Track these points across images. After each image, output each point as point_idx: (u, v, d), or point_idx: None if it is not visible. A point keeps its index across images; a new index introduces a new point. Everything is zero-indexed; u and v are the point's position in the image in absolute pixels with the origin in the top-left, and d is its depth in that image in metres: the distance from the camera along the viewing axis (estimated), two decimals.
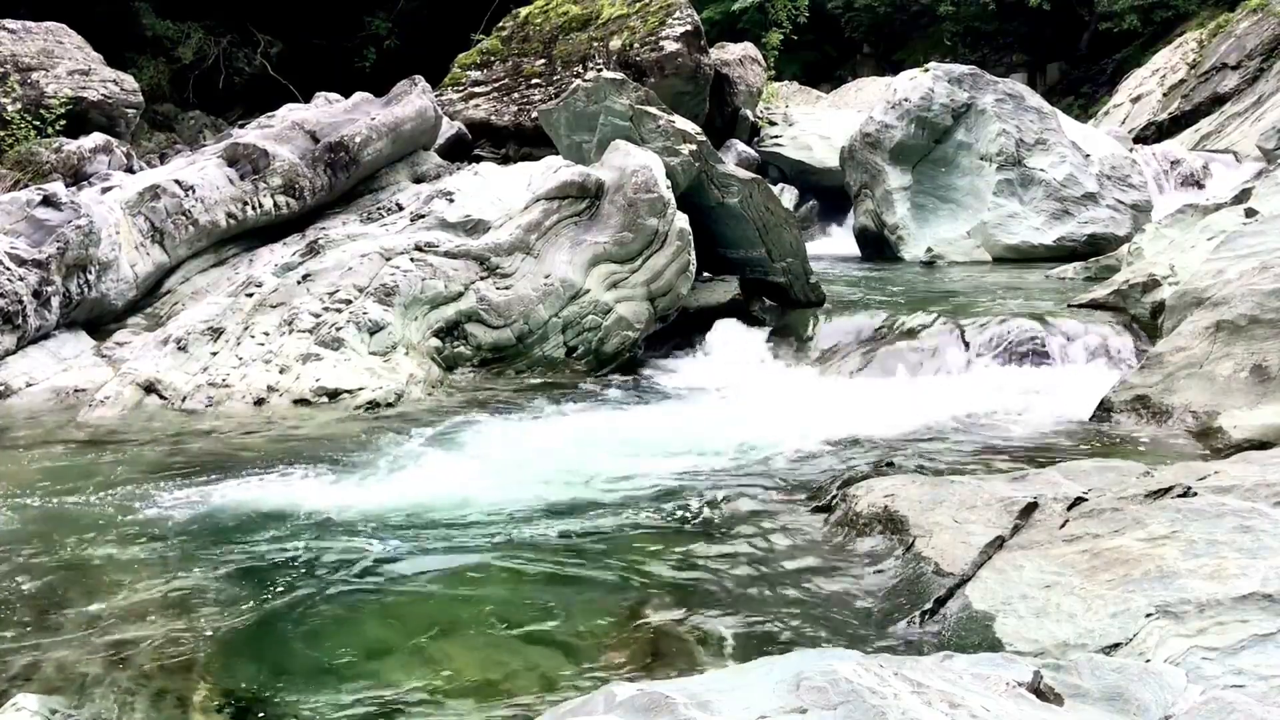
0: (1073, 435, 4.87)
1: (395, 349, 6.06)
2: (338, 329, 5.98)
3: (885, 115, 11.57)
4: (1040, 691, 1.81)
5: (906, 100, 11.45)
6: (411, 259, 6.43)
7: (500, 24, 15.32)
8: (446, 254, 6.54)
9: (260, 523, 3.74)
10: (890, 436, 4.93)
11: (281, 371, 5.75)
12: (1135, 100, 19.25)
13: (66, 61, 11.55)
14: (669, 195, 7.04)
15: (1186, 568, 2.42)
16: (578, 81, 8.75)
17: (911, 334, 6.71)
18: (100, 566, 3.32)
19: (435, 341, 6.32)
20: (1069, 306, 6.96)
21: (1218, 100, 17.32)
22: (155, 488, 4.19)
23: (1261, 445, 4.09)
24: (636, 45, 13.25)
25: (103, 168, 9.87)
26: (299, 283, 6.36)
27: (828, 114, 17.01)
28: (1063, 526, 2.83)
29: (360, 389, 5.67)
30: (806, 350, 7.01)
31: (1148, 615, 2.30)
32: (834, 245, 13.39)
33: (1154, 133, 17.67)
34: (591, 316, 6.70)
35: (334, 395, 5.63)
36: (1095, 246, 10.57)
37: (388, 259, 6.43)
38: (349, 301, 6.16)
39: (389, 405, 5.63)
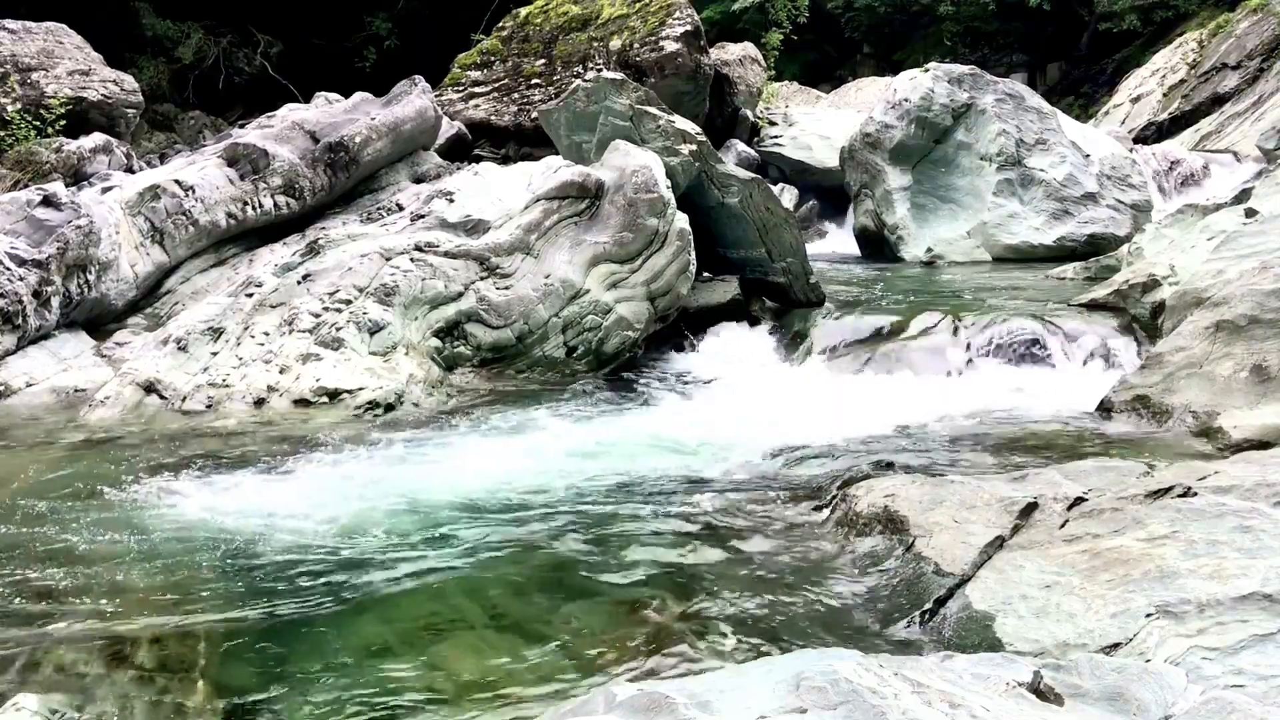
0: (1072, 435, 4.87)
1: (395, 349, 6.06)
2: (338, 329, 5.98)
3: (885, 115, 11.56)
4: (1040, 691, 1.81)
5: (906, 100, 11.44)
6: (411, 259, 6.43)
7: (500, 24, 15.33)
8: (446, 254, 6.54)
9: (259, 523, 3.74)
10: (890, 436, 4.93)
11: (281, 372, 5.75)
12: (1135, 100, 19.26)
13: (66, 61, 11.54)
14: (669, 195, 7.04)
15: (1186, 568, 2.42)
16: (578, 81, 8.75)
17: (911, 334, 6.70)
18: (100, 567, 3.31)
19: (435, 341, 6.32)
20: (1069, 306, 6.96)
21: (1218, 100, 17.33)
22: (155, 488, 4.19)
23: (1261, 445, 4.09)
24: (636, 45, 13.25)
25: (103, 168, 9.87)
26: (299, 283, 6.36)
27: (828, 114, 17.00)
28: (1063, 526, 2.83)
29: (360, 389, 5.67)
30: (806, 350, 7.00)
31: (1148, 615, 2.30)
32: (834, 245, 13.39)
33: (1154, 133, 17.68)
34: (591, 316, 6.69)
35: (334, 395, 5.63)
36: (1095, 246, 10.56)
37: (388, 259, 6.43)
38: (349, 301, 6.16)
39: (389, 405, 5.63)
